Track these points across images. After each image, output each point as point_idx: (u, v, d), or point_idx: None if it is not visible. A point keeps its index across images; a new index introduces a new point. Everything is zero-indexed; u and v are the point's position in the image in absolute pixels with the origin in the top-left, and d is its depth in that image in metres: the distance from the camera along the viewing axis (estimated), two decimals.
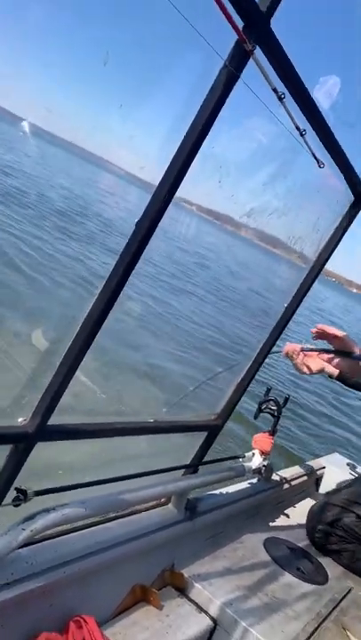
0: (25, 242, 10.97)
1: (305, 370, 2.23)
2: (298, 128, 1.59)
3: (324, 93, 1.62)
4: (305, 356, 2.25)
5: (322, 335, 2.30)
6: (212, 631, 2.05)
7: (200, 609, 2.09)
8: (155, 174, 1.27)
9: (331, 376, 2.24)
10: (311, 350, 2.27)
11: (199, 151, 1.31)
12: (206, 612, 2.08)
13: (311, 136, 1.58)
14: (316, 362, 2.26)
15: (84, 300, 1.37)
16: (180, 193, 1.37)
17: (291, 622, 2.12)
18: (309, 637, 2.05)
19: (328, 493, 3.08)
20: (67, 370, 1.34)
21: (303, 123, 1.52)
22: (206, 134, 1.29)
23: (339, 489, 3.10)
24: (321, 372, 2.25)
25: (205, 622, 2.05)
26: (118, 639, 1.77)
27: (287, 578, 2.43)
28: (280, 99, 1.46)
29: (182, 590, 2.15)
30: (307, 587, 2.41)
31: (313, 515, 2.86)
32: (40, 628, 1.54)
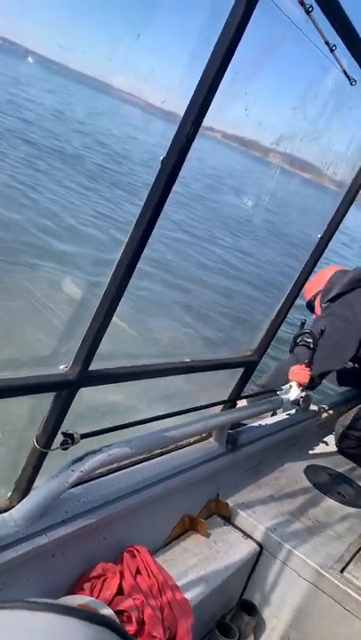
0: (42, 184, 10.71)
1: None
2: (327, 43, 1.48)
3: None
4: None
5: None
6: (258, 555, 2.15)
7: (246, 535, 2.18)
8: (178, 108, 1.21)
9: None
10: None
11: (223, 79, 1.24)
12: (252, 538, 2.17)
13: (342, 52, 1.47)
14: None
15: (115, 245, 1.35)
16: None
17: (334, 543, 2.19)
18: (353, 557, 2.13)
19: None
20: (103, 316, 1.34)
21: (333, 38, 1.41)
22: (230, 59, 1.21)
23: None
24: None
25: (252, 547, 2.14)
26: (170, 565, 1.87)
27: (329, 502, 2.50)
28: (308, 12, 1.35)
29: (228, 518, 2.24)
30: (348, 510, 2.48)
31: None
32: (96, 558, 1.64)
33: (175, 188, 1.32)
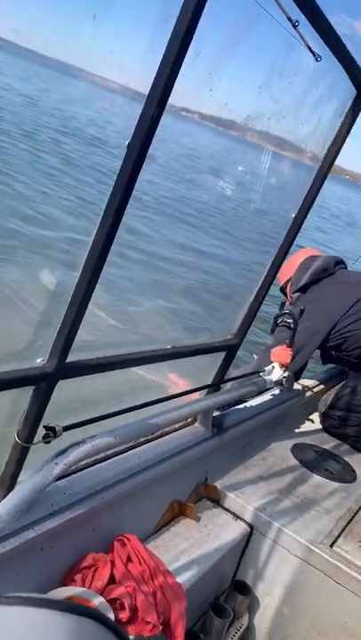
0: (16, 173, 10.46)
1: None
2: (290, 19, 1.46)
3: None
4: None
5: None
6: (249, 535, 2.16)
7: (236, 516, 2.20)
8: (141, 90, 1.19)
9: None
10: None
11: (188, 60, 1.22)
12: (242, 519, 2.19)
13: (306, 28, 1.45)
14: None
15: (88, 231, 1.32)
16: (177, 102, 1.28)
17: (323, 519, 2.22)
18: (342, 531, 2.15)
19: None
20: (79, 304, 1.32)
21: (296, 14, 1.39)
22: (191, 37, 1.19)
23: None
24: None
25: (242, 527, 2.16)
26: (162, 551, 1.88)
27: (316, 479, 2.52)
28: None
29: (217, 501, 2.25)
30: (336, 485, 2.50)
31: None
32: (86, 549, 1.64)
33: (153, 168, 1.30)
